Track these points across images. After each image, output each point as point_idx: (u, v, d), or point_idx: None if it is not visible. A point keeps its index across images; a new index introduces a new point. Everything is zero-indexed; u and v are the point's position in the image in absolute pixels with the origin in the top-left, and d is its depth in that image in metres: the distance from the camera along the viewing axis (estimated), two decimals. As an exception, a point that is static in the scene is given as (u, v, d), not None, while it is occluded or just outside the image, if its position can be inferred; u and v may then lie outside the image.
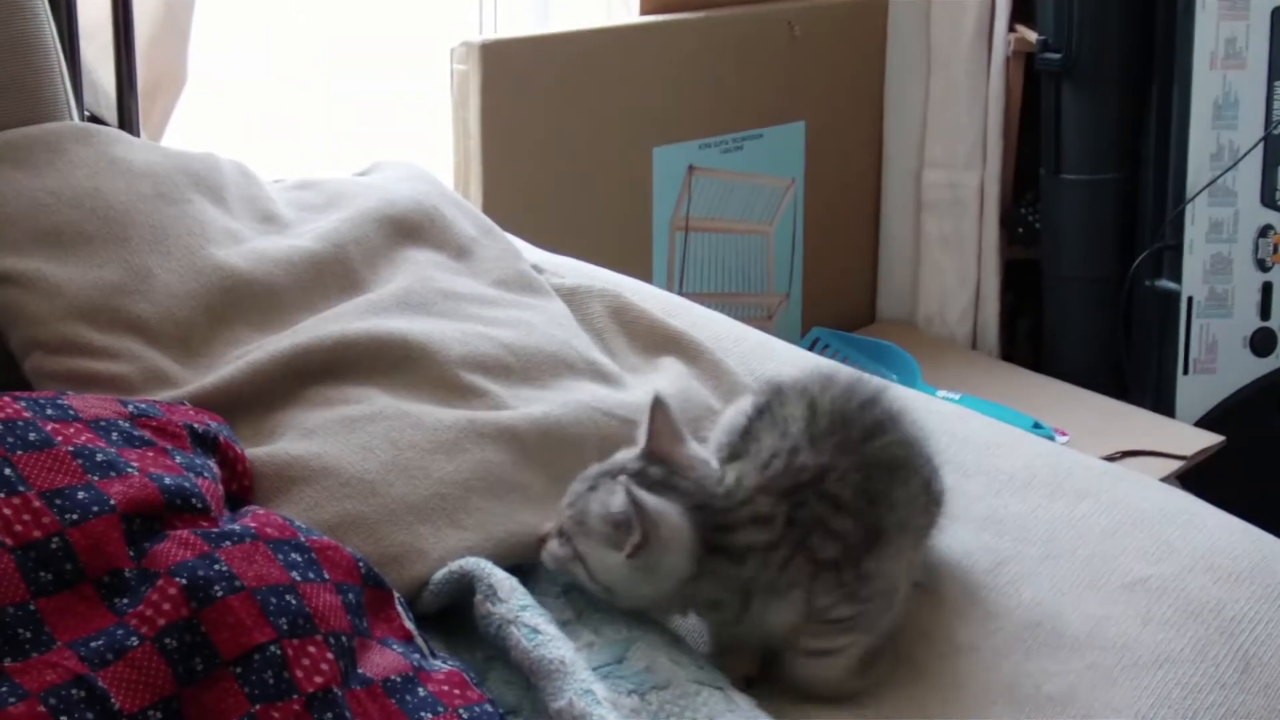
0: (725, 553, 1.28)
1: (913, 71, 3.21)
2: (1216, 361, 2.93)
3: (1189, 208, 2.87)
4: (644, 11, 2.86)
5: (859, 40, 3.20)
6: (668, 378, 1.69)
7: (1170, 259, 2.94)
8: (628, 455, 1.34)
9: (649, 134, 2.86)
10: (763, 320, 3.11)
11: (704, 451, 1.36)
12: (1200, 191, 2.86)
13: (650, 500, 1.25)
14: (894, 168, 3.28)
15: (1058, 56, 2.97)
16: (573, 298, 1.83)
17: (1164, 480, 2.40)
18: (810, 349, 2.91)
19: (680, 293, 2.50)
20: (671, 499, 1.28)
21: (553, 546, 1.33)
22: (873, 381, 1.43)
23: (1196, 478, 2.68)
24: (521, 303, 1.76)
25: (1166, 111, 2.92)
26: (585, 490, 1.33)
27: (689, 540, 1.27)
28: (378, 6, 2.73)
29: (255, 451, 1.42)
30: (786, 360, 1.84)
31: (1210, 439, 2.80)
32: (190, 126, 2.46)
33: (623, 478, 1.27)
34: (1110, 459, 2.50)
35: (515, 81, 2.60)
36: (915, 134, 3.23)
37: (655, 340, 1.78)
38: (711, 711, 1.22)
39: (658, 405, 1.34)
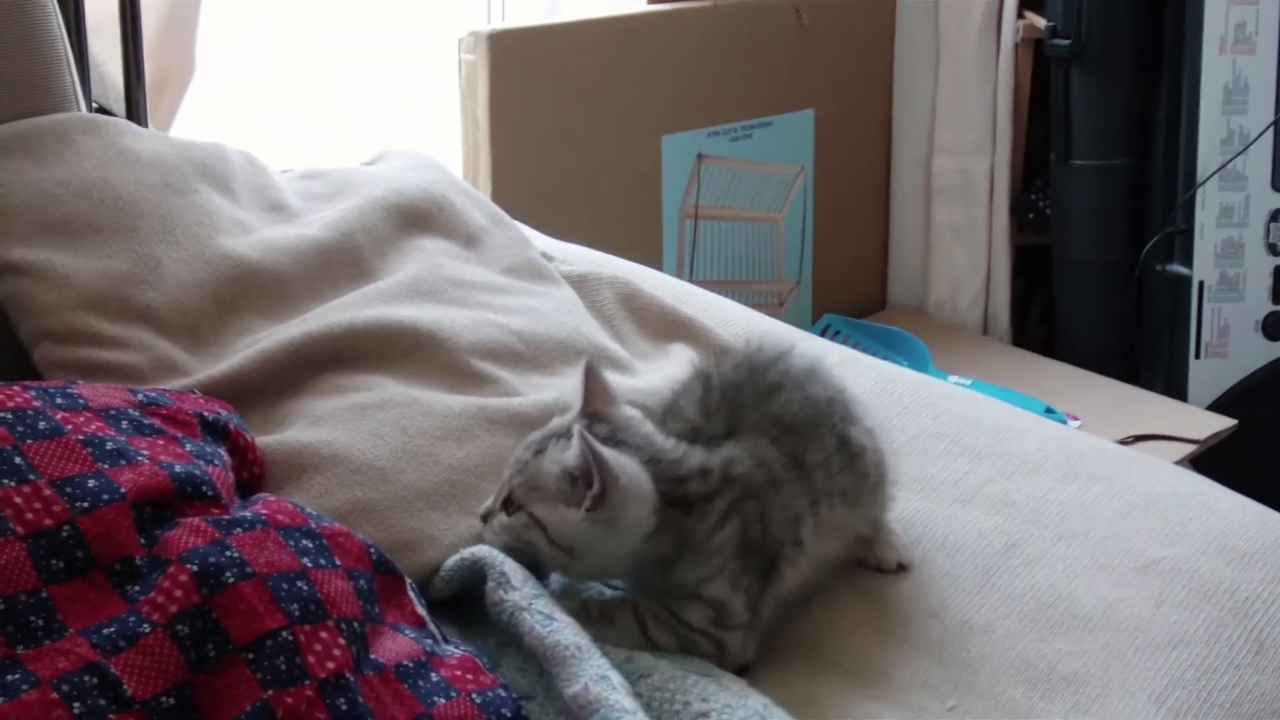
0: (680, 505, 1.28)
1: (922, 58, 3.20)
2: (1228, 345, 2.92)
3: (1199, 192, 2.87)
4: (652, 0, 2.86)
5: (868, 27, 3.19)
6: (677, 363, 1.68)
7: (1181, 244, 2.93)
8: (565, 419, 1.33)
9: (658, 122, 2.85)
10: (774, 307, 3.10)
11: (638, 412, 1.36)
12: (1211, 176, 2.85)
13: (609, 452, 1.25)
14: (903, 155, 3.27)
15: (1067, 42, 2.96)
16: (582, 285, 1.83)
17: (1177, 464, 2.39)
18: (821, 335, 2.90)
19: (691, 281, 2.49)
20: (624, 453, 1.28)
21: (500, 520, 1.32)
22: (775, 347, 1.42)
23: (1209, 461, 2.68)
24: (531, 290, 1.75)
25: (1176, 96, 2.92)
26: (532, 456, 1.32)
27: (649, 490, 1.27)
28: (384, -2, 2.73)
29: (265, 439, 1.42)
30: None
31: (1222, 423, 2.80)
32: (197, 119, 2.46)
33: (577, 428, 1.26)
34: (1123, 443, 2.50)
35: (523, 71, 2.60)
36: (925, 121, 3.22)
37: (665, 327, 1.78)
38: (703, 693, 1.21)
39: (591, 369, 1.34)
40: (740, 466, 1.31)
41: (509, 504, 1.31)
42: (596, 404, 1.33)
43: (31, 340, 1.53)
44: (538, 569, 1.31)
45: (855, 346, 2.05)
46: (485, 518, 1.34)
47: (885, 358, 2.00)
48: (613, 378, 1.60)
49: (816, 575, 1.39)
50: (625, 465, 1.26)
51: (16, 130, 1.68)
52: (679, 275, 2.76)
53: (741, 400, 1.36)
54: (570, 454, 1.26)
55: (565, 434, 1.29)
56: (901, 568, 1.47)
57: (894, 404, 1.72)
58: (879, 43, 3.22)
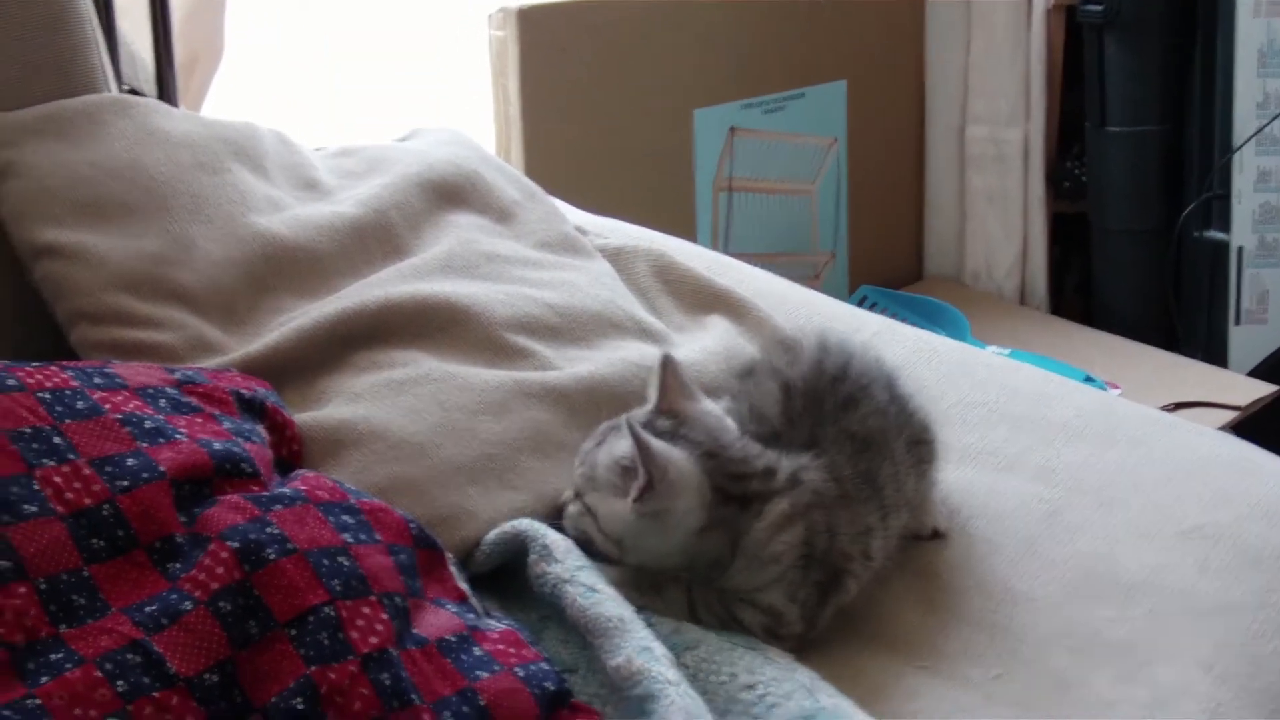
0: (737, 502, 1.27)
1: (953, 27, 3.18)
2: (1268, 311, 2.90)
3: (1236, 157, 2.84)
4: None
5: (901, -2, 3.18)
6: (714, 335, 1.68)
7: (1219, 209, 2.91)
8: (638, 412, 1.33)
9: (690, 95, 2.84)
10: (810, 280, 3.09)
11: (716, 407, 1.35)
12: (1247, 141, 2.83)
13: (656, 443, 1.24)
14: (937, 124, 3.25)
15: (1099, 8, 2.94)
16: (618, 258, 1.83)
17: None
18: (858, 307, 2.90)
19: (726, 254, 2.49)
20: (681, 447, 1.27)
21: (569, 509, 1.32)
22: (838, 349, 1.41)
23: (1251, 428, 2.66)
24: (565, 264, 1.75)
25: (1211, 60, 2.89)
26: (594, 446, 1.32)
27: (697, 486, 1.26)
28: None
29: (303, 416, 1.42)
30: (832, 316, 1.82)
31: (1264, 389, 2.77)
32: (227, 99, 2.45)
33: (627, 419, 1.26)
34: (1164, 411, 2.48)
35: (554, 46, 2.60)
36: (957, 90, 3.20)
37: (701, 299, 1.77)
38: (750, 665, 1.21)
39: (667, 362, 1.33)
40: (812, 474, 1.29)
41: (576, 494, 1.31)
42: (670, 398, 1.32)
43: (68, 321, 1.53)
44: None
45: (893, 318, 2.04)
46: (562, 507, 1.34)
47: (923, 329, 1.99)
48: (647, 349, 1.60)
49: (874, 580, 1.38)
50: (674, 458, 1.25)
51: (48, 112, 1.68)
52: (714, 249, 2.76)
53: (823, 412, 1.35)
54: (622, 445, 1.26)
55: (624, 424, 1.28)
56: (937, 534, 1.47)
57: (932, 373, 1.71)
58: (910, 12, 3.20)
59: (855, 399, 1.37)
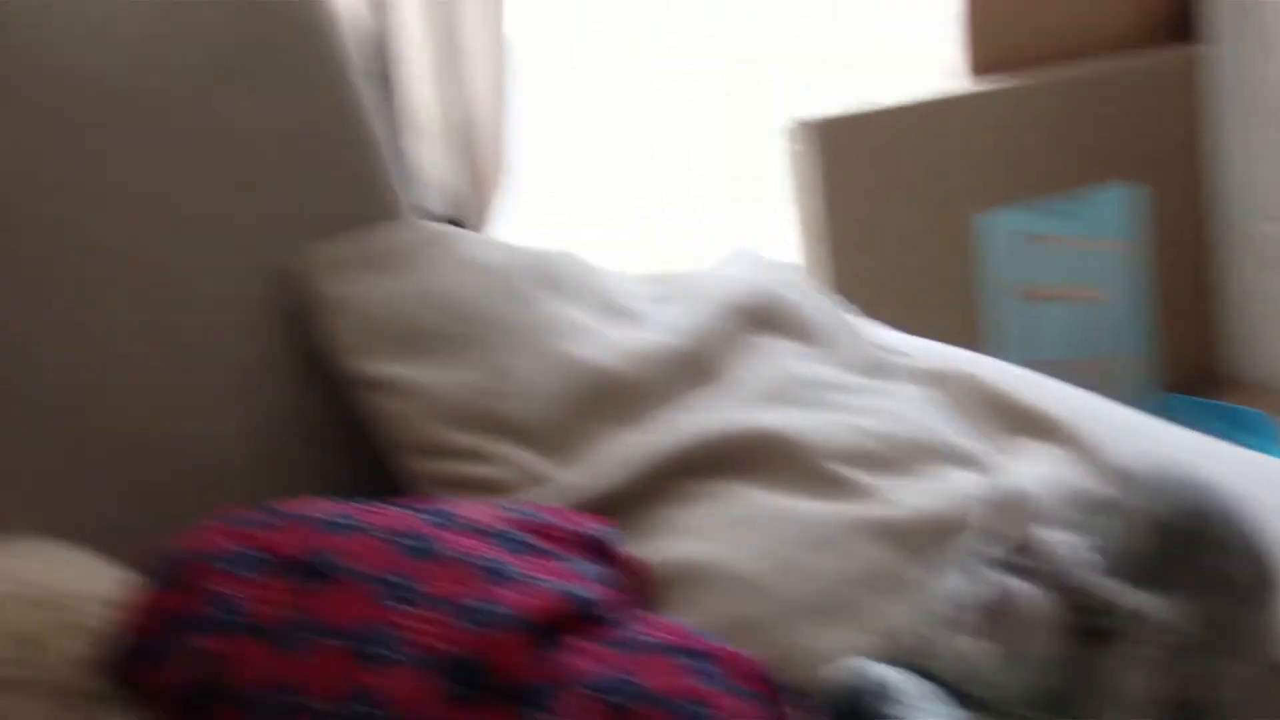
0: (1096, 641, 1.22)
1: (1242, 122, 3.09)
2: None
3: None
4: (974, 74, 2.85)
5: (1184, 95, 3.12)
6: (1043, 463, 1.63)
7: None
8: (987, 543, 1.30)
9: (982, 201, 2.82)
10: (1108, 389, 3.02)
11: (1068, 537, 1.31)
12: None
13: (1009, 579, 1.22)
14: (1231, 223, 3.16)
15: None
16: (929, 380, 1.79)
17: None
18: (1162, 418, 2.82)
19: (1018, 364, 2.44)
20: (1033, 582, 1.23)
21: (913, 647, 1.29)
22: (1183, 481, 1.34)
23: None
24: (880, 389, 1.72)
25: None
26: (940, 583, 1.30)
27: (1051, 623, 1.21)
28: (696, 91, 2.73)
29: (636, 552, 1.41)
30: (1160, 439, 1.77)
31: None
32: (523, 218, 2.49)
33: (981, 560, 1.24)
34: None
35: (855, 158, 2.60)
36: (1251, 187, 3.11)
37: (1020, 422, 1.73)
38: None
39: (1015, 493, 1.31)
40: (1169, 616, 1.24)
41: (923, 626, 1.29)
42: (1019, 531, 1.29)
43: (394, 454, 1.56)
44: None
45: (1198, 428, 1.97)
46: (905, 647, 1.31)
47: (1232, 439, 1.91)
48: (974, 479, 1.56)
49: None
50: (1028, 594, 1.22)
51: (366, 246, 1.71)
52: (1005, 359, 2.71)
53: (1173, 549, 1.29)
54: (972, 581, 1.24)
55: (970, 559, 1.27)
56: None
57: (1262, 493, 1.63)
58: (1197, 110, 3.13)
59: (1205, 534, 1.31)
